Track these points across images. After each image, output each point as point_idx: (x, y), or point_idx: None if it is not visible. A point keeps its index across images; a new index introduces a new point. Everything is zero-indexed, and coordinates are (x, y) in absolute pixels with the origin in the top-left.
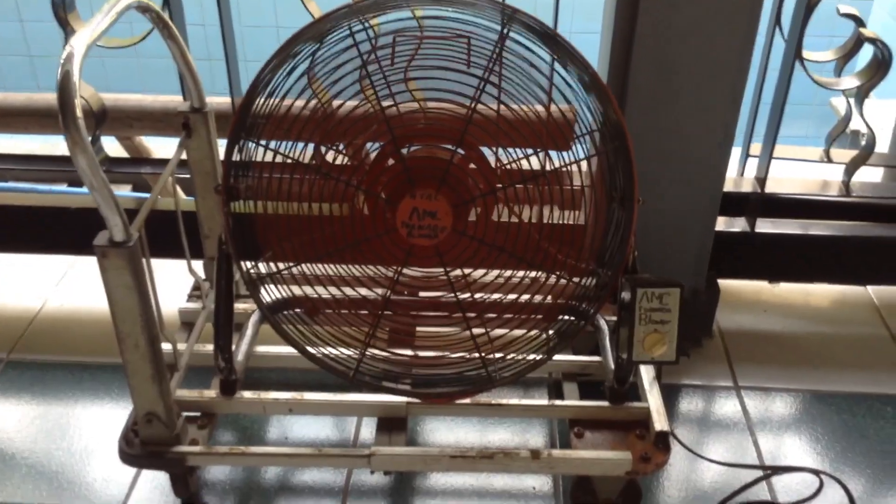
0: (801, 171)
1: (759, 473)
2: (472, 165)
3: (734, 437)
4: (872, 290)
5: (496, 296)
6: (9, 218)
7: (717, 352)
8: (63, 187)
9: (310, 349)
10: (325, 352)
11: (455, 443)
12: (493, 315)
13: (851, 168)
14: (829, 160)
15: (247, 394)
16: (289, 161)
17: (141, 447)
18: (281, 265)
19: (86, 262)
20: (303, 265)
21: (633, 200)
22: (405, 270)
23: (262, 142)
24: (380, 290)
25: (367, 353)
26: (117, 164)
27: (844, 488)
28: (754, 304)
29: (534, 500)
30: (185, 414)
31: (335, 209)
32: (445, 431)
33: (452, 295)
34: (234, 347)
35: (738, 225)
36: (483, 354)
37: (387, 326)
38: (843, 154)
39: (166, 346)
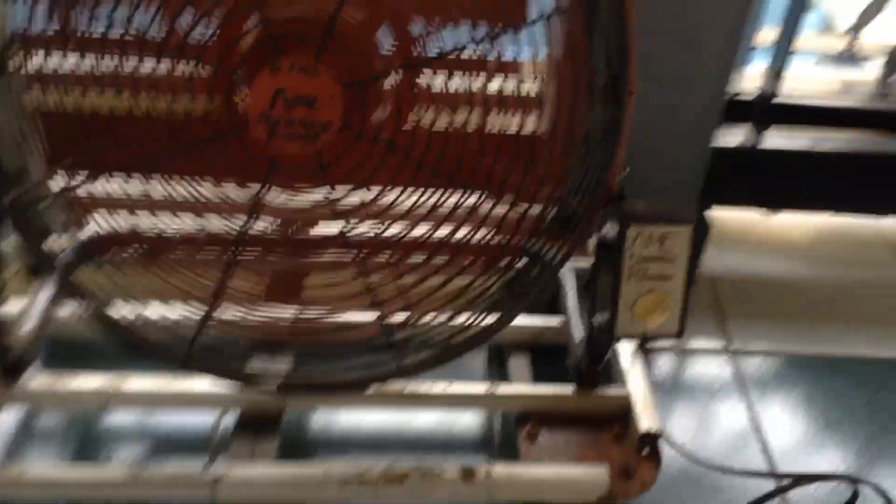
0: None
1: (773, 483)
2: (378, 26)
3: (729, 422)
4: (888, 225)
5: (410, 232)
6: None
7: (705, 303)
8: None
9: (112, 313)
10: (144, 315)
11: (351, 450)
12: (401, 258)
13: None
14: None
15: (38, 380)
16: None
17: None
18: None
19: None
20: (102, 179)
21: (627, 91)
22: (271, 193)
23: None
24: (230, 224)
25: (211, 316)
26: None
27: (885, 497)
28: (745, 241)
29: None
30: None
31: (157, 99)
32: (336, 434)
33: (338, 228)
34: (23, 308)
35: (738, 136)
36: (390, 325)
37: (242, 276)
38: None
39: None
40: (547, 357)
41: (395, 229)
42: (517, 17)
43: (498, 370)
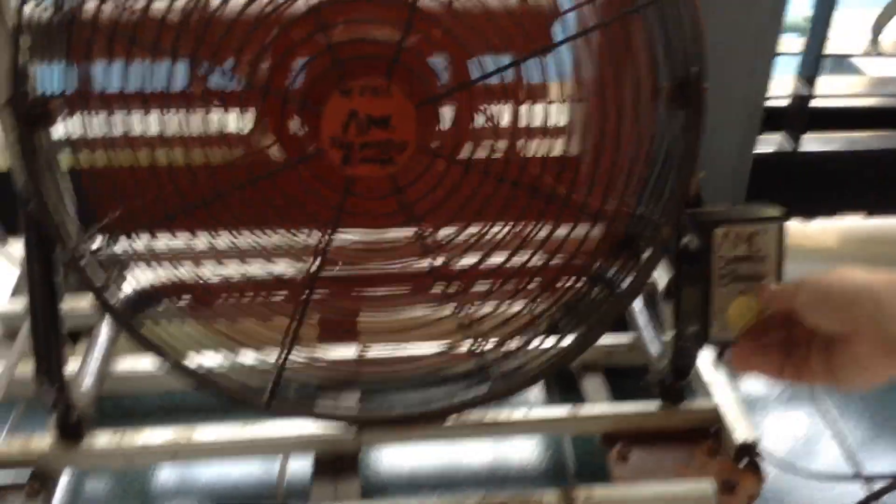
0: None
1: (863, 487)
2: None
3: (804, 429)
4: None
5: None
6: None
7: None
8: None
9: (191, 364)
10: (220, 364)
11: (431, 484)
12: (487, 286)
13: None
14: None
15: (102, 438)
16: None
17: None
18: (126, 236)
19: None
20: (161, 232)
21: (699, 86)
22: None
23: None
24: (300, 265)
25: (288, 358)
26: None
27: None
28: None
29: None
30: (2, 482)
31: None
32: (411, 465)
33: (424, 258)
34: (79, 366)
35: (773, 143)
36: (478, 346)
37: (317, 315)
38: None
39: None
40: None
41: (475, 257)
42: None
43: (560, 396)
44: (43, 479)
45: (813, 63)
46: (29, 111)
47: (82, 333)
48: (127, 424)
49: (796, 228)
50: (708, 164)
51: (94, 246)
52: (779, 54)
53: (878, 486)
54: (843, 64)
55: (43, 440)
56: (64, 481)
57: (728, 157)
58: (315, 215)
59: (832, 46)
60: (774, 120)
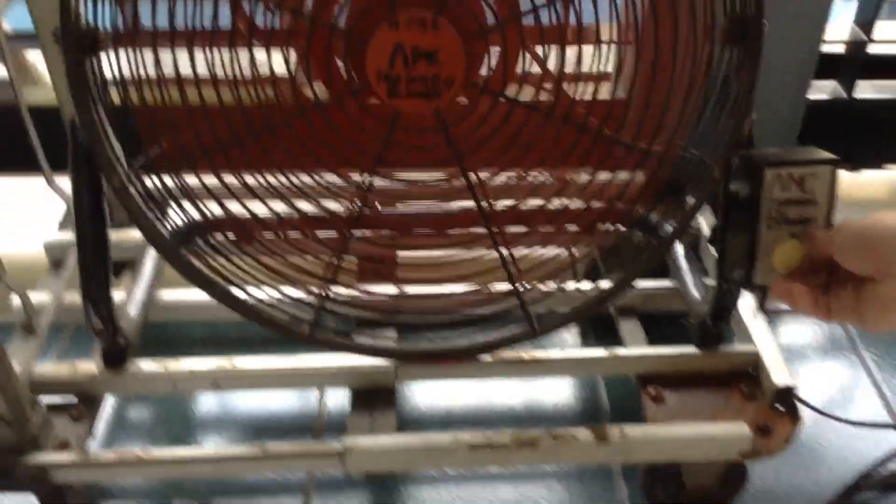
0: None
1: None
2: None
3: (845, 379)
4: None
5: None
6: None
7: None
8: None
9: (240, 293)
10: (266, 296)
11: (464, 421)
12: (528, 229)
13: None
14: None
15: (145, 365)
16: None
17: None
18: (174, 169)
19: None
20: (209, 165)
21: (758, 27)
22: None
23: None
24: (345, 203)
25: (329, 293)
26: None
27: None
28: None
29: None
30: (50, 401)
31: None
32: (444, 403)
33: (471, 198)
34: (124, 295)
35: (826, 91)
36: (521, 286)
37: (359, 253)
38: None
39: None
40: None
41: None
42: None
43: (596, 340)
44: (88, 403)
45: (871, 7)
46: (78, 41)
47: (129, 265)
48: (171, 354)
49: (847, 178)
50: (760, 107)
51: (143, 177)
52: None
53: None
54: None
55: (89, 365)
56: (109, 407)
57: (780, 102)
58: (362, 150)
59: None
60: (830, 66)
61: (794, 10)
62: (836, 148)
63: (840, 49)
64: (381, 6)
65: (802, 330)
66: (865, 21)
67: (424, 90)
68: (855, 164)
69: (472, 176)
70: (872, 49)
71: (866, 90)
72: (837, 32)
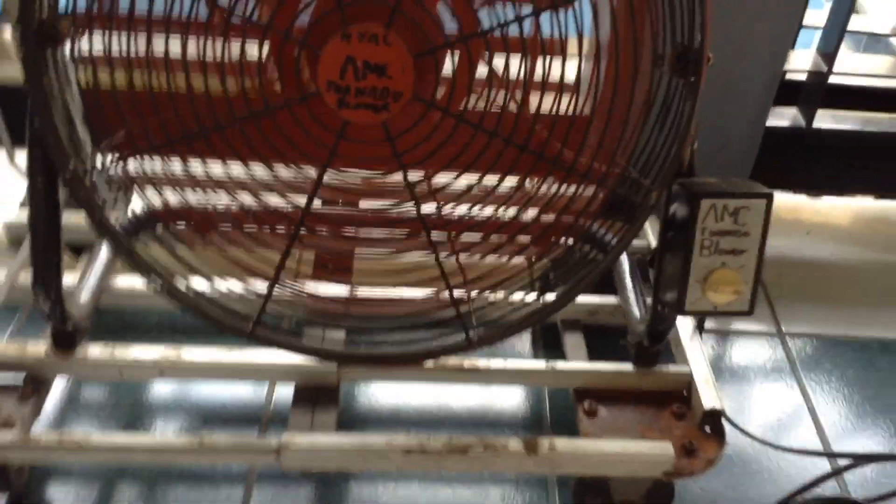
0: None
1: (827, 463)
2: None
3: (781, 404)
4: None
5: (475, 210)
6: None
7: None
8: None
9: (182, 287)
10: (210, 291)
11: (409, 422)
12: (473, 239)
13: None
14: None
15: (93, 350)
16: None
17: None
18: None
19: None
20: (163, 154)
21: (701, 59)
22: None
23: None
24: (295, 198)
25: (273, 292)
26: None
27: None
28: (793, 225)
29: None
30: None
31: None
32: (390, 403)
33: (411, 204)
34: (78, 279)
35: (787, 117)
36: (459, 300)
37: (305, 250)
38: None
39: None
40: (596, 336)
41: (464, 207)
42: None
43: (544, 350)
44: (36, 384)
45: (834, 37)
46: (38, 29)
47: (86, 248)
48: (124, 339)
49: (807, 204)
50: (719, 130)
51: (96, 165)
52: (803, 27)
53: (842, 463)
54: (880, 42)
55: (38, 346)
56: (59, 388)
57: (740, 127)
58: (310, 156)
59: (862, 23)
60: (791, 93)
61: (759, 35)
62: (794, 174)
63: (802, 77)
64: (333, 19)
65: (748, 353)
66: (828, 52)
67: (373, 102)
68: (813, 191)
69: (417, 186)
70: (834, 79)
71: (825, 120)
72: (800, 61)
